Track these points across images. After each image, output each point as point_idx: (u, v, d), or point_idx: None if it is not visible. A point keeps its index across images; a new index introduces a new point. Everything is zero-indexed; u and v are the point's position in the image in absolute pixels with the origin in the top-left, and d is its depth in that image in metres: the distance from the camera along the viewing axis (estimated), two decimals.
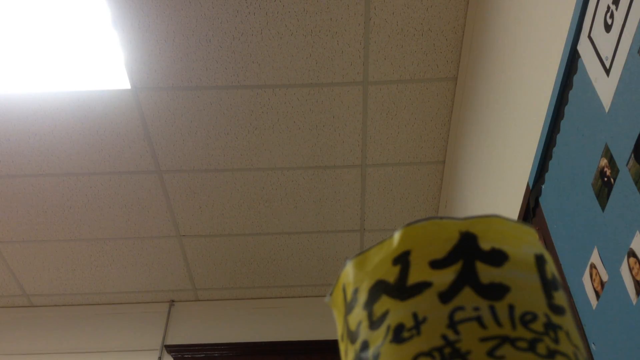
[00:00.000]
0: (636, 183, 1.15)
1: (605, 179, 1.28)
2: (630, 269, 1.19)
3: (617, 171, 1.22)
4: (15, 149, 2.90)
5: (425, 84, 2.68)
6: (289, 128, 2.83)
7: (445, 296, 0.38)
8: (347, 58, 2.57)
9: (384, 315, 0.39)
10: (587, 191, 1.37)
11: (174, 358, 3.53)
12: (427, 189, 3.15)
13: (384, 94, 2.71)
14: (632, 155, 1.16)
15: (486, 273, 0.39)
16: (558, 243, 1.55)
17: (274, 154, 2.94)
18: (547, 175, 1.63)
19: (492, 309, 0.37)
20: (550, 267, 0.42)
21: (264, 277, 3.64)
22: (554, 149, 1.57)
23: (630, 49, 1.16)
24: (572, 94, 1.45)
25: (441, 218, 0.41)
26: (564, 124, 1.50)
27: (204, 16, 2.44)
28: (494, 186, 2.22)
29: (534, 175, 1.71)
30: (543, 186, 1.66)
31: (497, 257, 0.40)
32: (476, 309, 0.37)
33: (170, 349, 3.55)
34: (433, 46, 2.54)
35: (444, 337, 0.36)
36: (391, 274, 0.40)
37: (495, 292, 0.38)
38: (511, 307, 0.38)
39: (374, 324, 0.39)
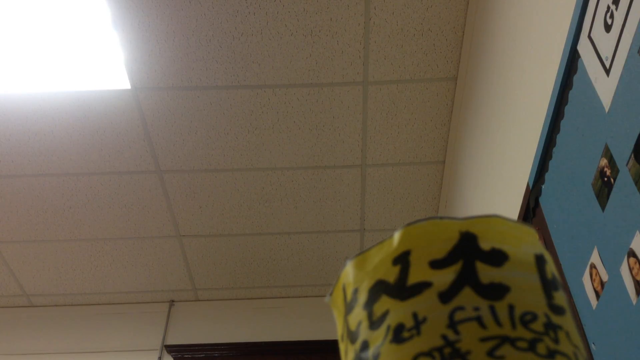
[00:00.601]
0: (636, 183, 1.15)
1: (605, 179, 1.28)
2: (630, 269, 1.19)
3: (617, 171, 1.22)
4: (15, 149, 2.90)
5: (425, 84, 2.68)
6: (289, 128, 2.83)
7: (445, 296, 0.38)
8: (347, 58, 2.57)
9: (384, 315, 0.39)
10: (587, 191, 1.37)
11: (174, 358, 3.53)
12: (427, 189, 3.15)
13: (384, 94, 2.71)
14: (632, 155, 1.16)
15: (486, 273, 0.39)
16: (558, 243, 1.55)
17: (274, 154, 2.94)
18: (547, 175, 1.63)
19: (492, 309, 0.37)
20: (550, 267, 0.42)
21: (264, 277, 3.64)
22: (554, 149, 1.57)
23: (630, 49, 1.16)
24: (572, 94, 1.45)
25: (441, 218, 0.41)
26: (564, 124, 1.50)
27: (204, 16, 2.44)
28: (494, 186, 2.22)
29: (534, 175, 1.71)
30: (543, 186, 1.66)
31: (497, 257, 0.40)
32: (476, 309, 0.37)
33: (170, 349, 3.55)
34: (433, 46, 2.54)
35: (444, 337, 0.36)
36: (391, 274, 0.40)
37: (495, 292, 0.38)
38: (511, 307, 0.38)
39: (374, 324, 0.39)
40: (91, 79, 2.65)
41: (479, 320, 0.37)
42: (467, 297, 0.38)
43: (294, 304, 3.76)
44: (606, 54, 1.26)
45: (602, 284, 1.31)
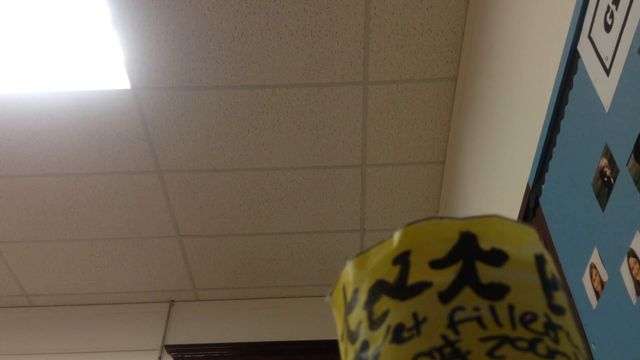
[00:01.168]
0: (636, 183, 1.15)
1: (605, 179, 1.28)
2: (630, 269, 1.19)
3: (617, 171, 1.22)
4: (15, 149, 2.90)
5: (425, 84, 2.68)
6: (289, 128, 2.83)
7: (445, 296, 0.38)
8: (347, 58, 2.57)
9: (384, 315, 0.39)
10: (587, 191, 1.37)
11: (174, 358, 3.53)
12: (427, 189, 3.15)
13: (384, 94, 2.71)
14: (632, 155, 1.16)
15: (486, 273, 0.39)
16: (558, 243, 1.55)
17: (274, 154, 2.94)
18: (547, 175, 1.63)
19: (492, 309, 0.37)
20: (550, 267, 0.42)
21: (264, 277, 3.64)
22: (554, 149, 1.57)
23: (630, 49, 1.16)
24: (572, 94, 1.45)
25: (441, 218, 0.41)
26: (564, 124, 1.50)
27: (204, 16, 2.44)
28: (494, 186, 2.22)
29: (534, 175, 1.71)
30: (543, 186, 1.66)
31: (497, 257, 0.39)
32: (476, 309, 0.37)
33: (170, 349, 3.55)
34: (433, 46, 2.54)
35: (444, 337, 0.36)
36: (391, 274, 0.40)
37: (495, 292, 0.38)
38: (511, 307, 0.38)
39: (374, 324, 0.39)
40: (91, 79, 2.65)
41: (479, 320, 0.37)
42: (467, 297, 0.38)
43: (294, 304, 3.76)
44: (606, 54, 1.26)
45: (602, 284, 1.31)
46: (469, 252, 0.39)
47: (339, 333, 0.43)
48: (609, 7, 1.24)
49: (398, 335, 0.38)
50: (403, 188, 3.14)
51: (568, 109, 1.47)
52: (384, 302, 0.39)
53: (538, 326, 0.37)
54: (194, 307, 3.77)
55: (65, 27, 2.47)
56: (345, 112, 2.77)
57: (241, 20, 2.45)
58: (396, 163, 3.00)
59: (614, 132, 1.24)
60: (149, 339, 3.61)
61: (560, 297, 0.40)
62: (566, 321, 0.39)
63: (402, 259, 0.40)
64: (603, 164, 1.28)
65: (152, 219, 3.25)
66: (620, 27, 1.19)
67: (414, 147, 2.93)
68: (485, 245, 0.40)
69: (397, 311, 0.38)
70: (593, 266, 1.36)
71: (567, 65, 1.45)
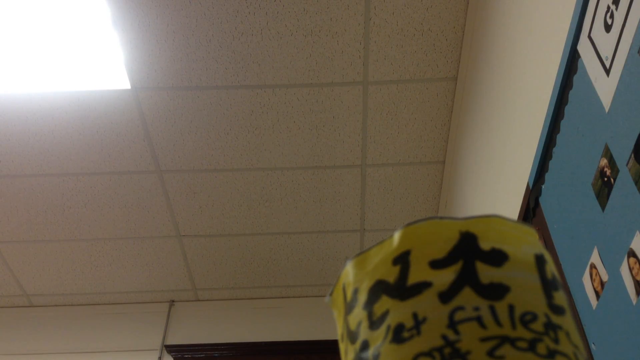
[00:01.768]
0: (636, 183, 1.15)
1: (605, 179, 1.28)
2: (630, 269, 1.19)
3: (617, 171, 1.22)
4: (15, 149, 2.90)
5: (425, 84, 2.68)
6: (289, 128, 2.83)
7: (445, 296, 0.38)
8: (347, 58, 2.57)
9: (384, 315, 0.39)
10: (587, 191, 1.37)
11: (174, 358, 3.53)
12: (427, 189, 3.15)
13: (384, 94, 2.71)
14: (632, 155, 1.16)
15: (486, 273, 0.39)
16: (558, 243, 1.55)
17: (274, 154, 2.94)
18: (547, 175, 1.63)
19: (492, 309, 0.37)
20: (550, 267, 0.42)
21: (264, 277, 3.64)
22: (554, 149, 1.57)
23: (630, 49, 1.16)
24: (572, 94, 1.45)
25: (441, 218, 0.41)
26: (564, 124, 1.50)
27: (204, 16, 2.44)
28: (494, 186, 2.22)
29: (534, 175, 1.71)
30: (543, 186, 1.66)
31: (497, 257, 0.39)
32: (476, 309, 0.37)
33: (170, 349, 3.55)
34: (433, 46, 2.54)
35: (444, 337, 0.36)
36: (391, 274, 0.40)
37: (495, 292, 0.38)
38: (511, 307, 0.38)
39: (374, 324, 0.39)
40: (91, 79, 2.65)
41: (479, 320, 0.37)
42: (467, 297, 0.38)
43: (294, 304, 3.76)
44: (606, 54, 1.26)
45: (602, 284, 1.31)
46: (469, 252, 0.39)
47: (339, 333, 0.43)
48: (609, 7, 1.24)
49: (398, 335, 0.37)
50: (403, 188, 3.14)
51: (568, 109, 1.47)
52: (384, 302, 0.39)
53: (538, 326, 0.37)
54: (194, 307, 3.77)
55: (65, 27, 2.47)
56: (345, 112, 2.77)
57: (241, 20, 2.45)
58: (396, 163, 3.00)
59: (614, 132, 1.24)
60: (149, 339, 3.61)
61: (560, 297, 0.40)
62: (566, 321, 0.39)
63: (402, 259, 0.40)
64: (603, 164, 1.28)
65: (152, 219, 3.25)
66: (620, 27, 1.19)
67: (414, 147, 2.93)
68: (485, 245, 0.40)
69: (397, 311, 0.38)
70: (593, 266, 1.36)
71: (567, 65, 1.45)
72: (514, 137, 1.96)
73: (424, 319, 0.37)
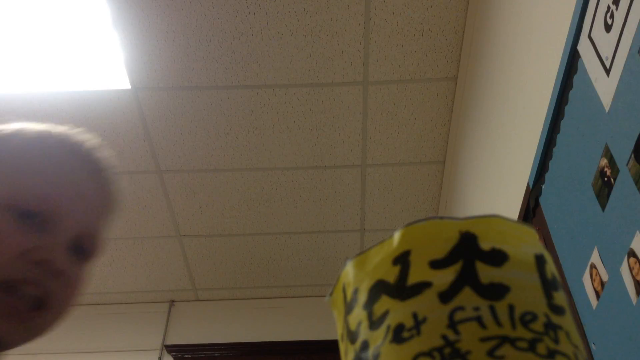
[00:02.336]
0: (636, 183, 1.15)
1: (605, 179, 1.28)
2: (630, 269, 1.19)
3: (617, 171, 1.22)
4: None
5: (425, 84, 2.68)
6: (289, 128, 2.83)
7: (445, 296, 0.38)
8: (347, 58, 2.57)
9: (384, 315, 0.39)
10: (587, 191, 1.37)
11: (174, 358, 3.53)
12: (427, 189, 3.15)
13: (384, 94, 2.71)
14: (632, 155, 1.16)
15: (486, 273, 0.39)
16: (558, 243, 1.55)
17: (274, 154, 2.94)
18: (547, 175, 1.63)
19: (492, 309, 0.37)
20: (550, 267, 0.42)
21: (264, 277, 3.64)
22: (554, 149, 1.57)
23: (630, 49, 1.16)
24: (572, 94, 1.45)
25: (441, 218, 0.41)
26: (564, 124, 1.50)
27: (204, 16, 2.44)
28: (494, 186, 2.23)
29: (534, 175, 1.71)
30: (543, 186, 1.66)
31: (497, 257, 0.39)
32: (476, 309, 0.37)
33: (170, 349, 3.55)
34: (433, 46, 2.54)
35: (444, 337, 0.36)
36: (391, 274, 0.40)
37: (495, 292, 0.38)
38: (511, 307, 0.38)
39: (374, 324, 0.39)
40: (91, 79, 2.65)
41: (479, 320, 0.37)
42: (467, 297, 0.38)
43: (294, 304, 3.76)
44: (606, 54, 1.26)
45: (602, 284, 1.31)
46: (469, 252, 0.39)
47: (339, 333, 0.43)
48: (609, 7, 1.24)
49: (398, 335, 0.37)
50: (403, 188, 3.14)
51: (568, 109, 1.47)
52: (384, 302, 0.39)
53: (538, 326, 0.37)
54: (194, 307, 3.77)
55: (66, 27, 2.47)
56: (345, 112, 2.77)
57: (241, 20, 2.45)
58: (396, 163, 3.00)
59: (614, 132, 1.24)
60: (149, 339, 3.61)
61: (560, 297, 0.40)
62: (566, 321, 0.39)
63: (402, 259, 0.40)
64: (603, 164, 1.28)
65: (152, 219, 3.25)
66: (620, 27, 1.19)
67: (414, 147, 2.93)
68: (485, 245, 0.40)
69: (397, 311, 0.38)
70: (593, 266, 1.36)
71: (567, 65, 1.45)
72: (514, 137, 1.96)
73: (424, 319, 0.37)
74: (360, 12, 2.44)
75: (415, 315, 0.38)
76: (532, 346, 0.36)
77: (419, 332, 0.37)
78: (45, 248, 0.68)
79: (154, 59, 2.57)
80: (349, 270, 0.43)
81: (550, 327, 0.38)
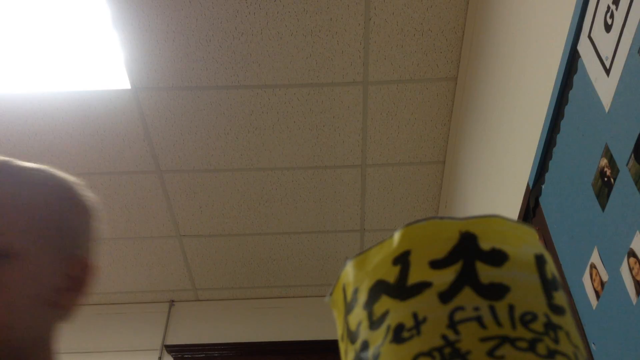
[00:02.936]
0: (636, 183, 1.15)
1: (605, 179, 1.28)
2: (630, 269, 1.19)
3: (617, 171, 1.22)
4: (16, 149, 2.90)
5: (425, 84, 2.68)
6: (289, 128, 2.83)
7: (445, 296, 0.38)
8: (347, 58, 2.57)
9: (384, 315, 0.39)
10: (587, 191, 1.37)
11: (174, 358, 3.53)
12: (427, 189, 3.15)
13: (384, 94, 2.71)
14: (632, 155, 1.16)
15: (486, 273, 0.39)
16: (558, 243, 1.55)
17: (274, 154, 2.94)
18: (547, 175, 1.63)
19: (492, 309, 0.37)
20: (550, 267, 0.42)
21: (264, 277, 3.64)
22: (554, 149, 1.57)
23: (630, 49, 1.16)
24: (572, 94, 1.45)
25: (441, 218, 0.41)
26: (564, 124, 1.50)
27: (204, 16, 2.44)
28: (494, 186, 2.23)
29: (534, 175, 1.71)
30: (543, 186, 1.66)
31: (497, 257, 0.39)
32: (476, 309, 0.37)
33: (170, 349, 3.55)
34: (433, 46, 2.54)
35: (444, 337, 0.36)
36: (391, 274, 0.40)
37: (495, 292, 0.38)
38: (511, 307, 0.38)
39: (374, 324, 0.39)
40: (91, 79, 2.65)
41: (479, 320, 0.37)
42: (467, 297, 0.38)
43: (294, 304, 3.76)
44: (606, 54, 1.26)
45: (602, 284, 1.31)
46: (469, 252, 0.39)
47: (339, 333, 0.43)
48: (609, 7, 1.24)
49: (398, 335, 0.38)
50: (403, 188, 3.14)
51: (568, 109, 1.47)
52: (384, 302, 0.39)
53: (538, 326, 0.37)
54: (194, 307, 3.77)
55: (66, 27, 2.47)
56: (345, 112, 2.77)
57: (241, 20, 2.45)
58: (396, 163, 3.00)
59: (614, 132, 1.24)
60: (149, 339, 3.61)
61: (560, 297, 0.40)
62: (566, 321, 0.39)
63: (402, 259, 0.40)
64: (603, 164, 1.28)
65: (152, 219, 3.26)
66: (620, 27, 1.19)
67: (414, 147, 2.93)
68: (485, 245, 0.40)
69: (397, 311, 0.38)
70: (593, 266, 1.36)
71: (567, 65, 1.45)
72: (514, 137, 1.96)
73: (424, 319, 0.37)
74: (360, 12, 2.44)
75: (415, 315, 0.38)
76: (532, 346, 0.36)
77: (419, 332, 0.37)
78: None
79: (154, 59, 2.57)
80: (349, 270, 0.43)
81: (550, 327, 0.38)
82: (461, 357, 0.35)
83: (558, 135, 1.54)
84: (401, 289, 0.39)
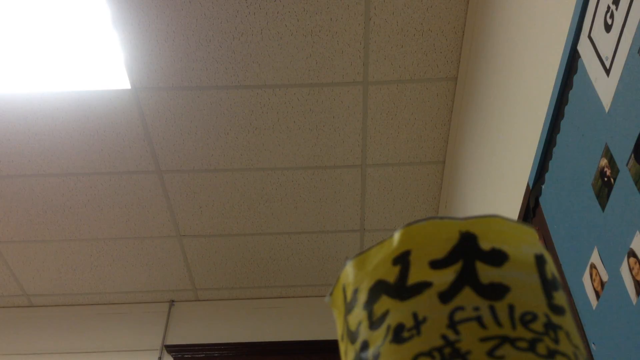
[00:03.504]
0: (636, 183, 1.15)
1: (605, 179, 1.28)
2: (630, 269, 1.19)
3: (617, 171, 1.22)
4: (15, 149, 2.90)
5: (425, 84, 2.68)
6: (289, 128, 2.83)
7: (445, 296, 0.38)
8: (347, 58, 2.57)
9: (384, 315, 0.39)
10: (587, 191, 1.37)
11: (174, 358, 3.53)
12: (427, 189, 3.15)
13: (384, 94, 2.71)
14: (632, 155, 1.16)
15: (486, 273, 0.39)
16: (558, 243, 1.55)
17: (274, 154, 2.94)
18: (547, 175, 1.63)
19: (492, 309, 0.37)
20: (550, 267, 0.42)
21: (264, 277, 3.64)
22: (554, 149, 1.57)
23: (630, 49, 1.16)
24: (572, 94, 1.45)
25: (441, 218, 0.41)
26: (564, 124, 1.50)
27: (204, 16, 2.44)
28: (494, 186, 2.23)
29: (534, 175, 1.71)
30: (543, 186, 1.66)
31: (497, 257, 0.39)
32: (476, 309, 0.37)
33: (170, 349, 3.55)
34: (433, 46, 2.54)
35: (444, 337, 0.36)
36: (391, 274, 0.40)
37: (495, 292, 0.38)
38: (511, 307, 0.38)
39: (374, 324, 0.39)
40: (91, 79, 2.65)
41: (479, 320, 0.37)
42: (467, 297, 0.38)
43: (294, 304, 3.76)
44: (606, 54, 1.26)
45: (602, 284, 1.31)
46: (469, 252, 0.39)
47: (339, 333, 0.43)
48: (609, 7, 1.24)
49: (398, 335, 0.38)
50: (403, 188, 3.14)
51: (568, 109, 1.47)
52: (384, 302, 0.39)
53: (538, 326, 0.37)
54: (194, 307, 3.77)
55: (65, 27, 2.47)
56: (345, 112, 2.77)
57: (241, 20, 2.45)
58: (396, 163, 3.00)
59: (614, 132, 1.24)
60: (149, 339, 3.61)
61: (560, 297, 0.40)
62: (566, 321, 0.39)
63: (402, 259, 0.40)
64: (603, 164, 1.28)
65: (152, 219, 3.26)
66: (620, 27, 1.19)
67: (414, 147, 2.93)
68: (485, 245, 0.40)
69: (397, 311, 0.38)
70: (593, 266, 1.36)
71: (567, 65, 1.45)
72: (514, 137, 1.96)
73: (424, 319, 0.37)
74: (360, 12, 2.44)
75: (415, 315, 0.38)
76: (532, 346, 0.36)
77: (419, 332, 0.37)
78: None
79: (154, 59, 2.57)
80: (349, 271, 0.43)
81: (550, 327, 0.38)
82: (461, 357, 0.35)
83: (558, 135, 1.54)
84: (401, 289, 0.39)
